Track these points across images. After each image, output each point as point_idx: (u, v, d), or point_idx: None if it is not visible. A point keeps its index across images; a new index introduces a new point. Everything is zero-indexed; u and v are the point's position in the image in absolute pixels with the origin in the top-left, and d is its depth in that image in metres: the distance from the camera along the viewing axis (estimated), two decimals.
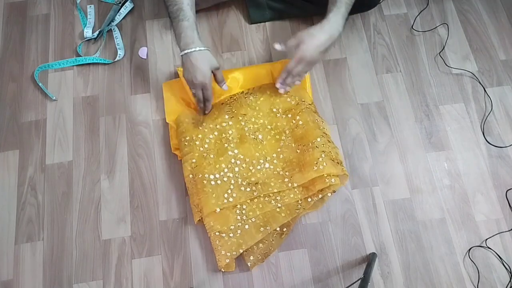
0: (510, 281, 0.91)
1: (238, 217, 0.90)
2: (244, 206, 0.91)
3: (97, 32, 1.13)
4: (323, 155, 0.91)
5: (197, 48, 0.86)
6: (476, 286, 0.91)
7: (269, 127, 0.99)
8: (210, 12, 1.17)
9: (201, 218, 0.91)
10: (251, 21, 1.16)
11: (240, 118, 0.99)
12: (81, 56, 1.11)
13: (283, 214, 0.91)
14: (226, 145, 0.96)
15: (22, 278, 0.92)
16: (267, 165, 0.95)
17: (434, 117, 1.06)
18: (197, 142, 0.96)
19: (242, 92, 1.03)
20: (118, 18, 1.15)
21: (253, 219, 0.91)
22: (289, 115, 1.00)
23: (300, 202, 0.92)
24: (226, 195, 0.91)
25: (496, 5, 1.19)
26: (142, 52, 1.12)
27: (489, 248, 0.94)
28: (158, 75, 1.10)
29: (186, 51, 0.86)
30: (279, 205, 0.91)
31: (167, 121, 1.02)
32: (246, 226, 0.90)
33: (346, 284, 0.90)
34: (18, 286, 0.91)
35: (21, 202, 0.97)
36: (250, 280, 0.91)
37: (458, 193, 0.99)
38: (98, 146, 1.03)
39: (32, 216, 0.96)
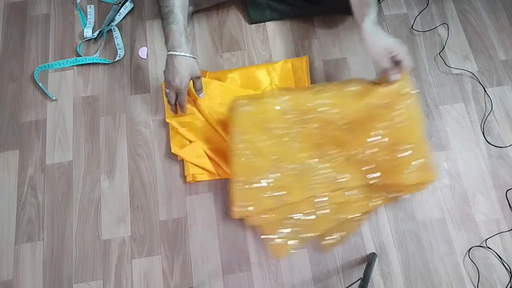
0: (510, 281, 0.91)
1: (315, 204, 0.92)
2: (320, 193, 0.92)
3: (97, 32, 1.13)
4: (418, 159, 0.88)
5: (184, 54, 0.88)
6: (476, 286, 0.91)
7: (359, 121, 0.94)
8: (210, 12, 1.17)
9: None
10: (251, 21, 1.16)
11: (333, 111, 0.94)
12: (81, 56, 1.11)
13: (357, 204, 0.92)
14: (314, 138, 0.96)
15: (22, 278, 0.92)
16: (354, 159, 0.94)
17: (434, 117, 1.06)
18: (285, 131, 0.96)
19: (335, 83, 0.97)
20: (118, 18, 1.15)
21: (328, 209, 0.92)
22: (386, 111, 0.91)
23: (376, 196, 0.93)
24: (310, 186, 0.92)
25: (496, 5, 1.19)
26: (142, 52, 1.13)
27: (489, 248, 0.94)
28: (158, 75, 1.10)
29: (172, 53, 0.88)
30: (355, 197, 0.92)
31: (166, 120, 1.02)
32: (321, 212, 0.92)
33: (346, 284, 0.90)
34: (18, 286, 0.91)
35: (21, 202, 0.97)
36: (250, 280, 0.91)
37: (458, 193, 0.99)
38: (98, 146, 1.03)
39: (32, 216, 0.96)
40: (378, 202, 0.93)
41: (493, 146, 1.03)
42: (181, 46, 0.88)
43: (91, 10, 1.17)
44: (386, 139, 0.90)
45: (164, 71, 0.93)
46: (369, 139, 0.92)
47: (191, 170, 0.97)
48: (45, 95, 1.07)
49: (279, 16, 1.16)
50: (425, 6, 1.18)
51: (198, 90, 0.96)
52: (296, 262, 0.93)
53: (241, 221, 0.96)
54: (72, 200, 0.98)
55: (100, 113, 1.06)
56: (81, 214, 0.96)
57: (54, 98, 1.07)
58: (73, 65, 1.10)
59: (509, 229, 0.95)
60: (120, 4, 1.17)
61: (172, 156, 1.01)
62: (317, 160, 0.93)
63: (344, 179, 0.93)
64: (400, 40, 0.84)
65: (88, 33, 1.13)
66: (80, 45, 1.12)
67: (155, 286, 0.91)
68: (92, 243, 0.94)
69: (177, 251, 0.94)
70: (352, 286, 0.83)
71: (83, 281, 0.91)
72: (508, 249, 0.94)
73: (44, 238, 0.95)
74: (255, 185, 0.90)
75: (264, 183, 0.90)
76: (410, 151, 0.88)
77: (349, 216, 0.92)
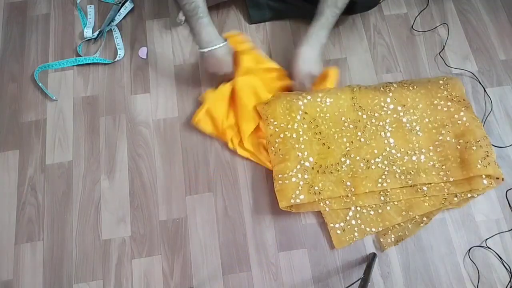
0: (510, 281, 0.91)
1: (382, 198, 0.93)
2: (389, 189, 0.93)
3: (97, 32, 1.13)
4: (487, 155, 0.92)
5: (221, 44, 0.91)
6: (476, 286, 0.91)
7: (427, 120, 0.99)
8: (210, 12, 1.15)
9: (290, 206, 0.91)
10: (251, 21, 1.16)
11: (399, 108, 1.00)
12: (81, 56, 1.11)
13: (426, 204, 0.93)
14: (382, 133, 0.97)
15: (22, 278, 0.92)
16: (422, 157, 0.96)
17: None
18: (351, 126, 0.98)
19: (401, 81, 1.04)
20: (118, 18, 1.15)
21: (396, 202, 0.93)
22: (452, 109, 1.00)
23: (446, 196, 0.93)
24: (380, 180, 0.93)
25: (496, 5, 1.19)
26: (142, 52, 1.12)
27: (489, 248, 0.94)
28: (158, 75, 1.10)
29: (209, 49, 0.91)
30: (425, 194, 0.93)
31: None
32: (388, 207, 0.93)
33: (346, 284, 0.90)
34: (18, 286, 0.91)
35: (21, 202, 0.97)
36: (250, 280, 0.91)
37: None
38: (98, 146, 1.03)
39: (32, 216, 0.96)
40: (450, 201, 0.93)
41: (493, 146, 1.02)
42: (217, 37, 0.91)
43: (91, 10, 1.17)
44: (453, 139, 0.97)
45: (207, 68, 0.97)
46: (439, 137, 0.97)
47: (200, 115, 0.98)
48: (45, 95, 1.07)
49: (279, 16, 1.16)
50: (425, 6, 1.18)
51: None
52: (296, 262, 0.93)
53: (241, 221, 0.96)
54: (72, 200, 0.98)
55: (100, 113, 1.06)
56: (81, 214, 0.96)
57: (54, 98, 1.07)
58: (73, 65, 1.10)
59: (509, 229, 0.95)
60: (120, 4, 1.17)
61: (172, 156, 1.01)
62: (384, 155, 0.96)
63: (416, 176, 0.93)
64: (299, 69, 0.96)
65: (88, 33, 1.13)
66: (80, 45, 1.12)
67: (155, 286, 0.91)
68: (92, 243, 0.94)
69: (177, 251, 0.93)
70: (352, 286, 0.83)
71: (83, 281, 0.91)
72: (508, 249, 0.94)
73: (44, 238, 0.95)
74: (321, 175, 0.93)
75: (335, 170, 0.94)
76: (478, 146, 0.94)
77: (418, 215, 0.93)
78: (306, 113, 0.98)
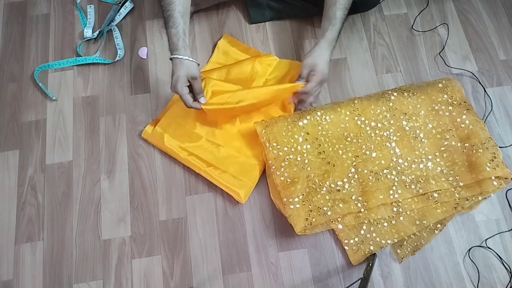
0: (510, 281, 0.91)
1: (394, 209, 0.92)
2: (401, 199, 0.93)
3: (97, 32, 1.13)
4: (495, 157, 0.93)
5: (178, 56, 0.89)
6: (476, 286, 0.91)
7: (430, 126, 0.99)
8: (210, 12, 1.17)
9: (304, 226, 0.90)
10: (251, 21, 1.16)
11: (401, 117, 0.99)
12: (81, 56, 1.11)
13: (439, 210, 0.93)
14: (387, 144, 0.97)
15: (22, 278, 0.92)
16: (429, 164, 0.95)
17: None
18: (355, 140, 0.97)
19: (400, 88, 1.04)
20: (118, 18, 1.15)
21: (408, 212, 0.93)
22: (454, 113, 1.00)
23: (458, 201, 0.93)
24: (391, 192, 0.92)
25: (496, 5, 1.19)
26: (142, 52, 1.13)
27: (489, 248, 0.94)
28: (158, 75, 1.10)
29: (170, 56, 0.90)
30: (436, 201, 0.93)
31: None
32: (401, 218, 0.92)
33: (346, 284, 0.90)
34: (18, 286, 0.91)
35: (21, 202, 0.97)
36: (250, 280, 0.91)
37: None
38: (98, 146, 1.03)
39: (32, 216, 0.96)
40: (463, 206, 0.93)
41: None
42: (177, 49, 0.89)
43: (91, 10, 1.17)
44: (458, 143, 0.97)
45: None
46: (444, 142, 0.97)
47: (154, 130, 1.00)
48: (45, 95, 1.07)
49: (279, 16, 1.16)
50: (425, 6, 1.18)
51: (197, 93, 0.92)
52: (296, 262, 0.93)
53: (241, 221, 0.96)
54: (72, 200, 0.98)
55: (100, 113, 1.06)
56: (81, 214, 0.96)
57: (54, 98, 1.07)
58: (73, 65, 1.10)
59: (509, 229, 0.95)
60: (120, 4, 1.17)
61: (172, 156, 1.01)
62: (390, 166, 0.96)
63: (426, 184, 0.93)
64: (324, 71, 0.94)
65: (88, 33, 1.13)
66: (80, 45, 1.12)
67: (155, 286, 0.91)
68: (92, 243, 0.94)
69: (177, 251, 0.94)
70: (352, 286, 0.83)
71: (83, 281, 0.91)
72: (508, 249, 0.94)
73: (44, 238, 0.95)
74: (320, 194, 0.92)
75: (337, 188, 0.93)
76: (484, 149, 0.94)
77: (432, 223, 0.92)
78: (308, 133, 0.97)
